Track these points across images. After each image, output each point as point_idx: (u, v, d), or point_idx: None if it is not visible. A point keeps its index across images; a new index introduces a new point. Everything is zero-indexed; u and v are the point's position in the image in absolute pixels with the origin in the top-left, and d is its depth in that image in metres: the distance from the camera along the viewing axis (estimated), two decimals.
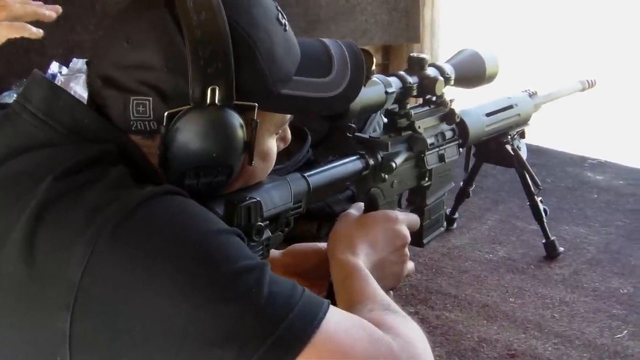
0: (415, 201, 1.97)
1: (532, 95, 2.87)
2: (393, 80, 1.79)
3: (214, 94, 1.20)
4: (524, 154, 3.15)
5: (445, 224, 2.10)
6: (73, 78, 3.29)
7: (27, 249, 1.09)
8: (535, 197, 3.20)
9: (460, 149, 2.10)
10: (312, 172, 1.60)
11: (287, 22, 1.33)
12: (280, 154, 1.43)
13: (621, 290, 2.97)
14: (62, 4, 2.06)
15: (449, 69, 2.02)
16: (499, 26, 8.89)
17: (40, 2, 2.05)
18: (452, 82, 2.02)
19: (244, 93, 1.23)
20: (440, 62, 2.04)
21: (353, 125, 1.80)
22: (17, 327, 1.11)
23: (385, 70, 4.73)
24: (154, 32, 1.21)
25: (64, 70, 3.44)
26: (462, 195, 3.45)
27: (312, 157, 3.20)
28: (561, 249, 3.25)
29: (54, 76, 3.36)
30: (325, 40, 1.45)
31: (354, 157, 1.73)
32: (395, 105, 1.84)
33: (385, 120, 1.90)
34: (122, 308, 1.06)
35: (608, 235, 3.46)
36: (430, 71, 1.93)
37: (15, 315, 1.11)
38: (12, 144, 1.23)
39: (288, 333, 1.06)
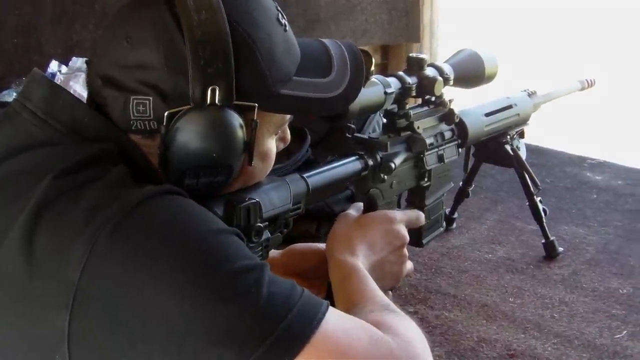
0: (415, 201, 1.98)
1: (531, 95, 2.87)
2: (392, 80, 1.80)
3: (214, 94, 1.20)
4: (523, 154, 3.15)
5: (444, 224, 2.11)
6: (73, 77, 3.29)
7: (26, 247, 1.09)
8: (535, 197, 3.19)
9: (460, 149, 2.10)
10: (311, 173, 1.60)
11: (287, 23, 1.34)
12: (279, 153, 1.43)
13: (620, 291, 2.97)
14: (62, 3, 2.06)
15: (448, 69, 2.02)
16: (498, 26, 8.90)
17: None
18: (451, 82, 2.02)
19: (244, 93, 1.23)
20: (439, 62, 2.05)
21: (352, 125, 1.80)
22: (16, 326, 1.11)
23: (384, 70, 4.73)
24: (154, 31, 1.21)
25: (64, 69, 3.44)
26: (461, 195, 3.44)
27: (311, 157, 3.20)
28: (560, 249, 3.25)
29: (53, 75, 3.36)
30: (325, 40, 1.45)
31: (353, 158, 1.73)
32: (395, 106, 1.84)
33: (385, 120, 1.90)
34: (121, 307, 1.06)
35: (607, 236, 3.46)
36: (429, 71, 1.94)
37: (14, 314, 1.11)
38: (11, 143, 1.23)
39: (287, 333, 1.06)
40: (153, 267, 1.06)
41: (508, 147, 3.08)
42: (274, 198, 1.46)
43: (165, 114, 1.20)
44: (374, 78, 1.71)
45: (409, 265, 1.72)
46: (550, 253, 3.24)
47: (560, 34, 8.82)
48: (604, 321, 2.76)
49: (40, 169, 1.15)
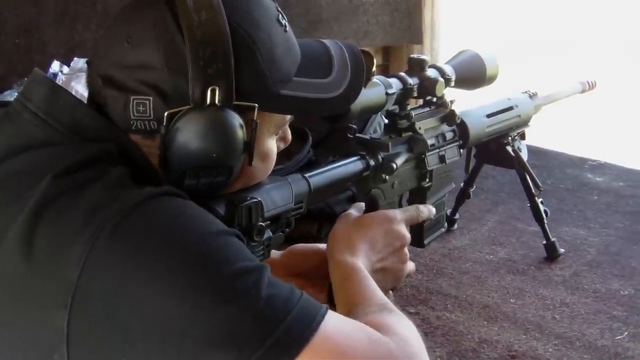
0: (416, 202, 1.97)
1: (532, 96, 2.87)
2: (393, 81, 1.80)
3: (214, 95, 1.20)
4: (524, 155, 3.15)
5: (445, 224, 2.11)
6: (74, 77, 3.29)
7: (25, 246, 1.09)
8: (536, 198, 3.19)
9: (461, 150, 2.10)
10: (313, 173, 1.60)
11: (287, 23, 1.34)
12: (280, 154, 1.43)
13: (621, 292, 2.97)
14: (64, 3, 2.06)
15: (450, 70, 2.02)
16: (499, 27, 8.90)
17: None
18: (452, 83, 2.02)
19: (244, 93, 1.23)
20: (441, 64, 2.05)
21: (354, 126, 1.80)
22: (15, 325, 1.11)
23: (385, 71, 4.73)
24: (154, 31, 1.21)
25: (65, 69, 3.44)
26: (462, 196, 3.44)
27: (312, 158, 3.20)
28: (561, 250, 3.25)
29: (55, 75, 3.36)
30: (325, 41, 1.45)
31: (355, 158, 1.73)
32: (396, 107, 1.84)
33: (386, 121, 1.90)
34: (120, 308, 1.06)
35: (608, 237, 3.46)
36: (431, 72, 1.94)
37: (13, 314, 1.11)
38: (12, 143, 1.23)
39: (286, 335, 1.06)
40: (152, 267, 1.06)
41: (509, 149, 3.08)
42: (276, 197, 1.46)
43: (166, 114, 1.20)
44: (375, 79, 1.71)
45: (411, 265, 1.72)
46: (551, 254, 3.24)
47: (562, 35, 8.82)
48: (605, 322, 2.76)
49: (41, 169, 1.15)
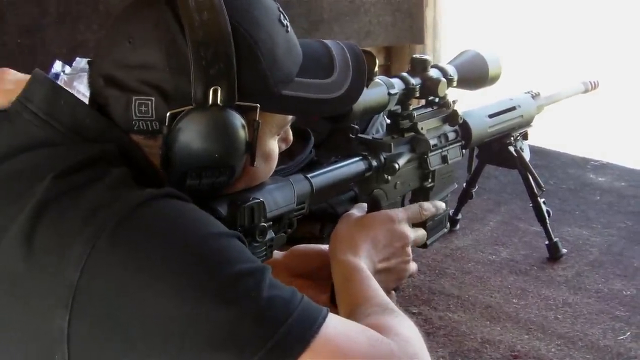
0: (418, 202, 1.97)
1: (534, 96, 2.86)
2: (396, 81, 1.80)
3: (216, 95, 1.20)
4: (526, 155, 3.14)
5: (448, 225, 2.11)
6: (76, 77, 3.29)
7: (26, 246, 1.10)
8: (538, 198, 3.19)
9: (463, 150, 2.10)
10: (315, 173, 1.60)
11: (288, 24, 1.34)
12: (282, 154, 1.43)
13: (624, 292, 2.96)
14: (66, 3, 2.06)
15: (452, 70, 2.02)
16: (502, 27, 8.89)
17: None
18: (454, 83, 2.02)
19: (246, 94, 1.23)
20: (443, 64, 2.05)
21: (356, 126, 1.80)
22: (16, 324, 1.11)
23: (387, 71, 4.72)
24: (156, 32, 1.21)
25: (67, 69, 3.44)
26: (464, 196, 3.44)
27: (314, 158, 3.20)
28: (564, 250, 3.24)
29: (57, 75, 3.35)
30: (327, 41, 1.45)
31: (357, 158, 1.74)
32: (398, 107, 1.84)
33: (388, 121, 1.90)
34: (121, 309, 1.06)
35: (610, 237, 3.45)
36: (433, 72, 1.94)
37: (14, 313, 1.11)
38: (12, 143, 1.23)
39: (287, 337, 1.06)
40: (153, 268, 1.06)
41: (512, 149, 3.07)
42: (278, 198, 1.46)
43: (167, 114, 1.20)
44: (377, 79, 1.71)
45: (414, 265, 1.72)
46: (553, 254, 3.23)
47: (564, 35, 8.81)
48: (607, 322, 2.76)
49: (41, 169, 1.15)
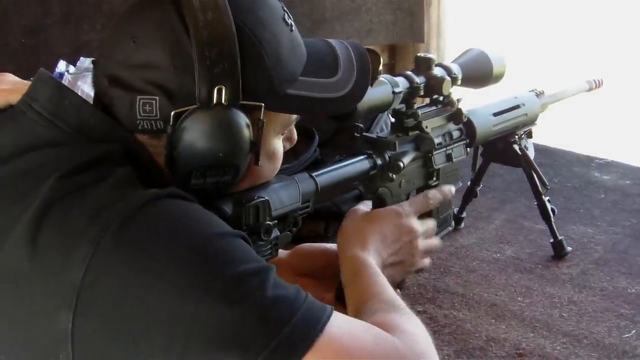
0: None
1: (539, 94, 2.86)
2: (400, 80, 1.79)
3: (220, 94, 1.20)
4: (531, 153, 3.15)
5: (453, 223, 2.10)
6: (81, 77, 3.29)
7: (30, 246, 1.10)
8: (543, 196, 3.19)
9: (468, 149, 2.10)
10: (320, 172, 1.60)
11: (293, 23, 1.34)
12: (287, 153, 1.43)
13: (629, 290, 2.96)
14: (69, 3, 2.06)
15: (456, 69, 2.02)
16: (506, 26, 8.89)
17: None
18: (459, 82, 2.02)
19: (250, 93, 1.23)
20: (447, 62, 2.04)
21: (360, 125, 1.80)
22: (20, 324, 1.11)
23: (391, 70, 4.73)
24: (160, 31, 1.22)
25: (72, 69, 3.44)
26: (469, 194, 3.44)
27: (319, 157, 3.20)
28: (569, 248, 3.24)
29: (61, 75, 3.36)
30: (331, 40, 1.45)
31: (362, 157, 1.74)
32: (403, 105, 1.84)
33: (393, 120, 1.90)
34: (125, 309, 1.06)
35: (615, 235, 3.45)
36: (437, 71, 1.93)
37: (18, 313, 1.12)
38: (17, 143, 1.23)
39: (292, 336, 1.06)
40: (158, 268, 1.06)
41: (516, 147, 3.07)
42: (283, 197, 1.46)
43: (172, 113, 1.20)
44: (382, 78, 1.71)
45: (427, 260, 1.73)
46: (558, 252, 3.23)
47: (568, 33, 8.81)
48: (612, 320, 2.76)
49: (46, 169, 1.16)
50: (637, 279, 3.05)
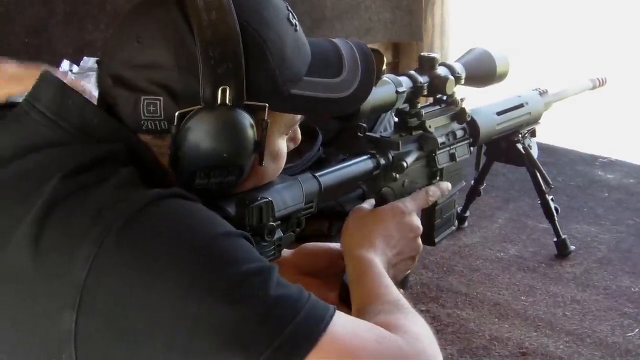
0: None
1: (542, 93, 2.86)
2: (404, 79, 1.79)
3: (224, 94, 1.20)
4: (534, 152, 3.15)
5: (456, 222, 2.11)
6: (84, 77, 3.29)
7: (33, 246, 1.10)
8: (547, 195, 3.19)
9: (471, 148, 2.10)
10: (323, 172, 1.60)
11: (297, 22, 1.33)
12: (290, 153, 1.43)
13: (632, 289, 2.97)
14: (73, 3, 2.06)
15: (460, 68, 2.01)
16: (509, 24, 8.88)
17: None
18: (462, 81, 2.02)
19: (255, 93, 1.23)
20: (451, 61, 2.04)
21: (364, 124, 1.80)
22: (24, 324, 1.11)
23: (395, 69, 4.73)
24: (164, 31, 1.21)
25: (75, 68, 3.44)
26: (473, 193, 3.45)
27: (322, 156, 3.20)
28: (572, 247, 3.25)
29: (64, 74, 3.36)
30: (336, 40, 1.45)
31: (365, 157, 1.73)
32: (406, 105, 1.84)
33: (396, 119, 1.90)
34: (128, 309, 1.06)
35: (619, 234, 3.45)
36: (441, 70, 1.93)
37: (22, 313, 1.12)
38: (20, 143, 1.23)
39: (294, 335, 1.06)
40: (160, 269, 1.06)
41: (520, 146, 3.07)
42: (286, 197, 1.46)
43: (176, 113, 1.20)
44: (385, 77, 1.71)
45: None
46: (562, 251, 3.23)
47: (572, 32, 8.80)
48: (615, 319, 2.76)
49: (50, 169, 1.15)
50: None
